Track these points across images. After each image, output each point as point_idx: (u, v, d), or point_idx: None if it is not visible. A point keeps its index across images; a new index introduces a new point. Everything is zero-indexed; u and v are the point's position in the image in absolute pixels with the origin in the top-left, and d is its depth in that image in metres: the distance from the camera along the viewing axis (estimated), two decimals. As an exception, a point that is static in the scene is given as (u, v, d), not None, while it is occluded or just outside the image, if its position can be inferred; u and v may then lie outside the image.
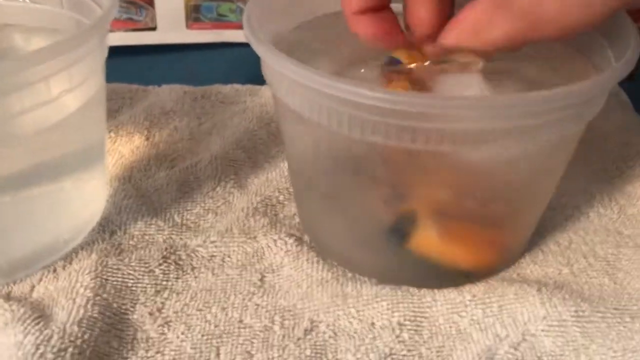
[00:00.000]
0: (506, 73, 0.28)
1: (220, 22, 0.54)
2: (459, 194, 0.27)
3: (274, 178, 0.37)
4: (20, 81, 0.26)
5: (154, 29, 0.54)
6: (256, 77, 0.49)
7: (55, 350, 0.25)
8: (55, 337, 0.26)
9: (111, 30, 0.54)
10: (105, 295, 0.29)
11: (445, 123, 0.23)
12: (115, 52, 0.52)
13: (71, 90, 0.28)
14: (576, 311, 0.28)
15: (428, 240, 0.29)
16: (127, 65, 0.53)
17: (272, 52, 0.25)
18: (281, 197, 0.36)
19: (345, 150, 0.27)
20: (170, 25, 0.54)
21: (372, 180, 0.27)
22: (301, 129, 0.28)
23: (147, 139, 0.40)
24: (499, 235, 0.30)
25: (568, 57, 0.30)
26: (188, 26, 0.54)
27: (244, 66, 0.54)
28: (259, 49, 0.26)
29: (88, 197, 0.34)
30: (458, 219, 0.29)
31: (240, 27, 0.54)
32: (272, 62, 0.25)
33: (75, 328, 0.26)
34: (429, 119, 0.23)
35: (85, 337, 0.26)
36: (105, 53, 0.32)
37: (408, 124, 0.23)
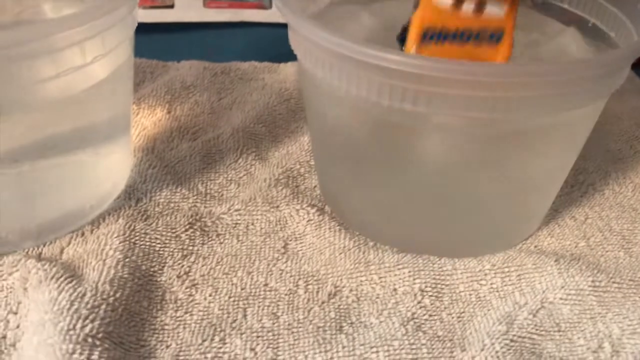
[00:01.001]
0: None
1: (238, 1, 0.55)
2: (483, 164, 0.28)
3: (294, 151, 0.38)
4: (54, 44, 0.26)
5: (171, 6, 0.55)
6: (273, 56, 0.50)
7: (89, 306, 0.26)
8: (89, 294, 0.27)
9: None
10: (134, 258, 0.29)
11: (488, 91, 0.23)
12: (138, 29, 0.53)
13: (104, 56, 0.29)
14: (593, 281, 0.29)
15: None
16: (144, 42, 0.53)
17: (302, 19, 0.26)
18: (302, 170, 0.36)
19: (372, 118, 0.27)
20: (188, 3, 0.54)
21: (400, 148, 0.28)
22: (328, 99, 0.29)
23: (169, 112, 0.41)
24: (518, 204, 0.31)
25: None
26: (205, 4, 0.54)
27: (260, 45, 0.55)
28: (289, 16, 0.26)
29: (114, 165, 0.34)
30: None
31: (257, 6, 0.55)
32: (301, 28, 0.26)
33: (107, 287, 0.27)
34: (464, 86, 0.23)
35: (117, 295, 0.27)
36: (135, 23, 0.32)
37: (443, 90, 0.23)
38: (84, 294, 0.26)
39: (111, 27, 0.29)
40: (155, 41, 0.53)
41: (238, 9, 0.56)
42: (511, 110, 0.24)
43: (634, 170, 0.37)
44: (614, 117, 0.41)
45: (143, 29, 0.54)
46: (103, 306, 0.26)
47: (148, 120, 0.40)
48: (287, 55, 0.30)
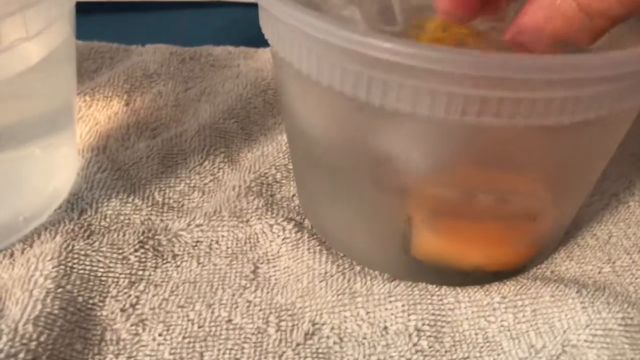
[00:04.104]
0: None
1: (213, -23, 0.49)
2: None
3: (270, 153, 0.32)
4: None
5: (139, -17, 0.49)
6: (251, 39, 0.45)
7: (2, 355, 0.21)
8: (5, 338, 0.21)
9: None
10: (69, 287, 0.24)
11: (505, 90, 0.18)
12: (97, 8, 0.48)
13: (29, 39, 0.23)
14: (623, 318, 0.24)
15: (430, 243, 0.25)
16: (110, 22, 0.48)
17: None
18: (278, 175, 0.31)
19: (357, 120, 0.22)
20: (158, -20, 0.49)
21: (385, 159, 0.23)
22: (306, 94, 0.24)
23: (127, 104, 0.36)
24: (531, 229, 0.26)
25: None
26: (177, -19, 0.49)
27: (237, 27, 0.49)
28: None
29: (54, 169, 0.29)
30: (475, 216, 0.24)
31: (235, -16, 0.49)
32: (272, 7, 0.20)
33: (30, 328, 0.22)
34: (478, 83, 0.18)
35: (42, 338, 0.22)
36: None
37: (446, 89, 0.18)
38: (-1, 339, 0.21)
39: (36, 3, 0.23)
40: (120, 22, 0.48)
41: (214, -14, 0.50)
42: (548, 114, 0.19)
43: (662, 178, 0.32)
44: (637, 115, 0.36)
45: (106, 8, 0.49)
46: (21, 354, 0.21)
47: (102, 114, 0.35)
48: (266, 40, 0.25)
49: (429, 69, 0.18)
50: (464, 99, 0.19)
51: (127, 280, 0.25)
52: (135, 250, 0.26)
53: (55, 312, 0.23)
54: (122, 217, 0.28)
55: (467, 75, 0.18)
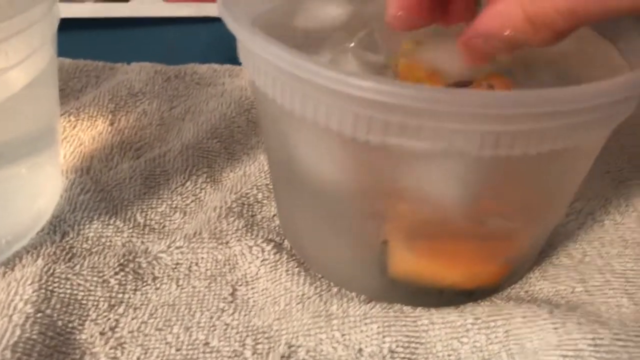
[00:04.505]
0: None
1: (200, -6, 0.50)
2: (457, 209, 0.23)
3: (252, 173, 0.33)
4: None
5: (127, 0, 0.49)
6: (237, 57, 0.45)
7: (-20, 382, 0.21)
8: (-17, 365, 0.22)
9: (81, 1, 0.49)
10: (49, 311, 0.25)
11: (465, 123, 0.19)
12: (85, 25, 0.48)
13: (10, 68, 0.24)
14: (593, 339, 0.24)
15: (407, 263, 0.25)
16: (97, 40, 0.48)
17: (249, 31, 0.21)
18: (260, 196, 0.31)
19: (334, 149, 0.23)
20: (145, -3, 0.49)
21: (359, 186, 0.23)
22: (285, 124, 0.24)
23: (112, 124, 0.36)
24: (505, 249, 0.26)
25: (590, 40, 0.26)
26: (164, -2, 0.49)
27: (225, 44, 0.50)
28: (236, 28, 0.22)
29: (37, 191, 0.29)
30: (451, 237, 0.25)
31: (221, 0, 0.49)
32: (249, 42, 0.21)
33: (8, 354, 0.22)
34: (442, 117, 0.19)
35: (20, 364, 0.22)
36: (56, 21, 0.27)
37: (417, 122, 0.19)
38: (-23, 365, 0.22)
39: (19, 33, 0.24)
40: (108, 39, 0.48)
41: (200, 3, 0.51)
42: (504, 145, 0.20)
43: (637, 196, 0.33)
44: (612, 132, 0.36)
45: (95, 25, 0.49)
46: (0, 381, 0.22)
47: (86, 134, 0.35)
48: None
49: (392, 104, 0.18)
50: (434, 129, 0.19)
51: (106, 304, 0.26)
52: (116, 273, 0.27)
53: (34, 337, 0.23)
54: (103, 240, 0.29)
55: (426, 109, 0.18)
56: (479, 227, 0.24)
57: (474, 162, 0.21)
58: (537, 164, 0.22)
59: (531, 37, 0.20)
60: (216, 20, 0.49)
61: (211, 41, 0.49)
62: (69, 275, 0.26)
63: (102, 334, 0.25)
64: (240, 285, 0.27)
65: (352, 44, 0.27)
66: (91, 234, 0.29)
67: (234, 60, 0.43)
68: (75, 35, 0.45)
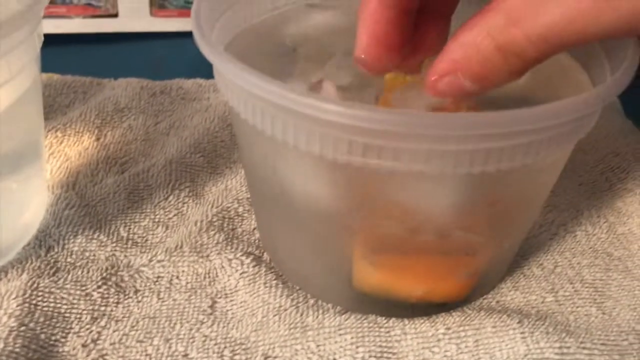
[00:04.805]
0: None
1: (187, 9, 0.51)
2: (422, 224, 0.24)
3: (233, 187, 0.34)
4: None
5: (115, 15, 0.50)
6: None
7: (-36, 395, 0.22)
8: (-33, 378, 0.22)
9: (68, 17, 0.50)
10: (32, 325, 0.25)
11: (427, 143, 0.20)
12: (73, 41, 0.49)
13: (8, 81, 0.24)
14: (560, 347, 0.25)
15: (371, 278, 0.26)
16: (85, 55, 0.49)
17: (225, 59, 0.21)
18: (240, 209, 0.32)
19: (310, 168, 0.24)
20: (133, 12, 0.50)
21: (333, 202, 0.24)
22: (260, 145, 0.25)
23: (98, 139, 0.37)
24: (472, 262, 0.27)
25: (563, 68, 0.27)
26: (152, 13, 0.50)
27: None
28: (206, 50, 0.22)
29: (22, 206, 0.30)
30: (415, 251, 0.26)
31: (208, 15, 0.50)
32: (225, 70, 0.22)
33: (-8, 366, 0.23)
34: (408, 139, 0.20)
35: (3, 377, 0.23)
36: (39, 42, 0.28)
37: (385, 143, 0.20)
38: (-39, 378, 0.22)
39: (14, 48, 0.24)
40: (97, 53, 0.49)
41: (188, 18, 0.51)
42: (466, 163, 0.21)
43: (609, 207, 0.34)
44: (587, 145, 0.37)
45: (83, 41, 0.50)
46: (-18, 393, 0.22)
47: (73, 150, 0.36)
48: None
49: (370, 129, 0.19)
50: (394, 150, 0.20)
51: (89, 316, 0.26)
52: (99, 287, 0.28)
53: (17, 350, 0.24)
54: (87, 254, 0.29)
55: (393, 132, 0.19)
56: (443, 241, 0.25)
57: (446, 180, 0.22)
58: (503, 179, 0.23)
59: (500, 68, 0.20)
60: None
61: (197, 55, 0.49)
62: (53, 289, 0.27)
63: (84, 346, 0.25)
64: (220, 297, 0.28)
65: (335, 59, 0.28)
66: (75, 248, 0.29)
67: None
68: (63, 50, 0.45)
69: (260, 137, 0.24)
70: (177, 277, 0.28)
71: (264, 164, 0.26)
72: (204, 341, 0.26)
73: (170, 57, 0.50)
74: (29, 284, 0.27)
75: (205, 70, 0.46)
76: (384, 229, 0.24)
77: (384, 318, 0.27)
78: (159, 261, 0.29)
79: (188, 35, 0.51)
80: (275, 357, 0.25)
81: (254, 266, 0.29)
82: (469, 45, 0.20)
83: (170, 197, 0.33)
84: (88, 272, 0.28)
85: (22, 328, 0.25)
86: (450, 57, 0.21)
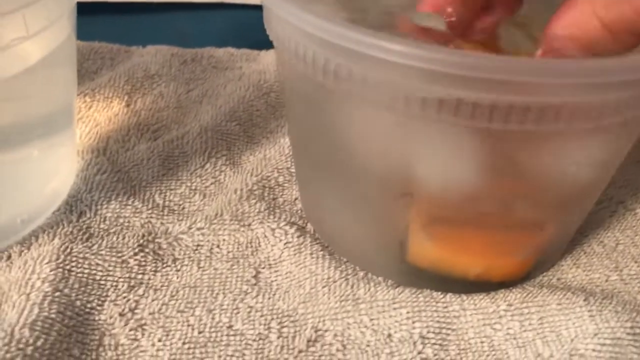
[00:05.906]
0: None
1: (216, -20, 0.49)
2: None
3: (272, 156, 0.32)
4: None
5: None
6: (254, 42, 0.44)
7: (-2, 360, 0.20)
8: (0, 343, 0.21)
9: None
10: (67, 291, 0.24)
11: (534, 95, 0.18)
12: (98, 9, 0.47)
13: (27, 38, 0.23)
14: (632, 327, 0.24)
15: (427, 251, 0.24)
16: (111, 24, 0.47)
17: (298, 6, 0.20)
18: (281, 179, 0.31)
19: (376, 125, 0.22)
20: (161, -19, 0.48)
21: (396, 163, 0.22)
22: (316, 97, 0.23)
23: (128, 105, 0.35)
24: (535, 238, 0.25)
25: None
26: (180, -17, 0.48)
27: (240, 30, 0.49)
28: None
29: (53, 170, 0.28)
30: (475, 225, 0.24)
31: (238, -15, 0.49)
32: (275, 6, 0.20)
33: (27, 332, 0.21)
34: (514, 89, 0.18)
35: (39, 343, 0.21)
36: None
37: (455, 92, 0.18)
38: (-6, 343, 0.21)
39: (35, 2, 0.23)
40: (121, 23, 0.48)
41: (216, -12, 0.50)
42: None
43: (669, 185, 0.32)
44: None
45: (107, 9, 0.48)
46: (18, 359, 0.21)
47: (102, 115, 0.34)
48: (269, 42, 0.24)
49: (438, 72, 0.18)
50: (473, 104, 0.18)
51: (126, 284, 0.25)
52: (135, 254, 0.26)
53: (53, 316, 0.22)
54: (121, 220, 0.28)
55: (477, 78, 0.17)
56: (505, 214, 0.23)
57: (501, 136, 0.20)
58: (573, 144, 0.21)
59: (610, 44, 0.19)
60: (231, 6, 0.49)
61: (226, 27, 0.48)
62: (87, 255, 0.25)
63: (121, 315, 0.24)
64: (263, 268, 0.26)
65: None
66: (109, 214, 0.28)
67: (249, 45, 0.43)
68: (90, 19, 0.44)
69: (324, 95, 0.22)
70: (218, 246, 0.27)
71: (322, 125, 0.24)
72: (249, 312, 0.24)
73: (196, 28, 0.48)
74: (62, 248, 0.25)
75: (232, 41, 0.45)
76: (441, 196, 0.23)
77: (439, 293, 0.25)
78: (198, 229, 0.27)
79: (216, 6, 0.50)
80: (326, 331, 0.24)
81: (298, 236, 0.27)
82: (575, 24, 0.19)
83: (207, 165, 0.31)
84: (124, 238, 0.26)
85: (57, 294, 0.23)
86: (563, 28, 0.20)
